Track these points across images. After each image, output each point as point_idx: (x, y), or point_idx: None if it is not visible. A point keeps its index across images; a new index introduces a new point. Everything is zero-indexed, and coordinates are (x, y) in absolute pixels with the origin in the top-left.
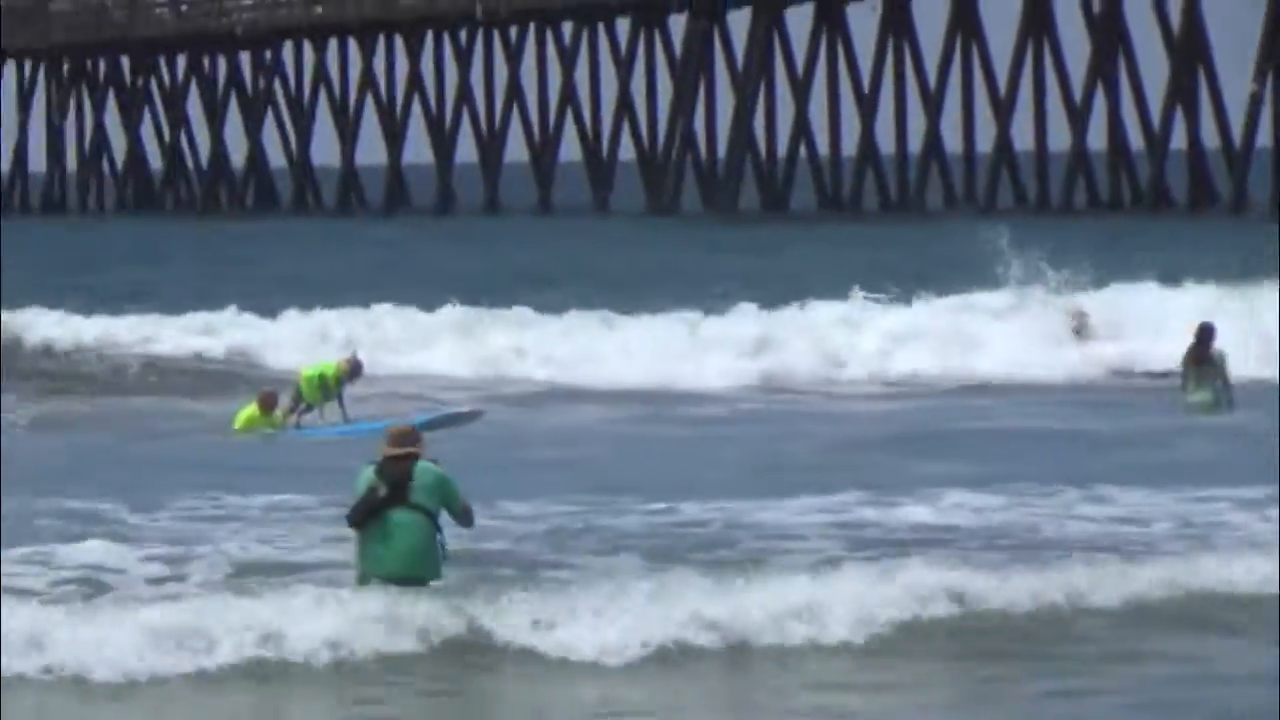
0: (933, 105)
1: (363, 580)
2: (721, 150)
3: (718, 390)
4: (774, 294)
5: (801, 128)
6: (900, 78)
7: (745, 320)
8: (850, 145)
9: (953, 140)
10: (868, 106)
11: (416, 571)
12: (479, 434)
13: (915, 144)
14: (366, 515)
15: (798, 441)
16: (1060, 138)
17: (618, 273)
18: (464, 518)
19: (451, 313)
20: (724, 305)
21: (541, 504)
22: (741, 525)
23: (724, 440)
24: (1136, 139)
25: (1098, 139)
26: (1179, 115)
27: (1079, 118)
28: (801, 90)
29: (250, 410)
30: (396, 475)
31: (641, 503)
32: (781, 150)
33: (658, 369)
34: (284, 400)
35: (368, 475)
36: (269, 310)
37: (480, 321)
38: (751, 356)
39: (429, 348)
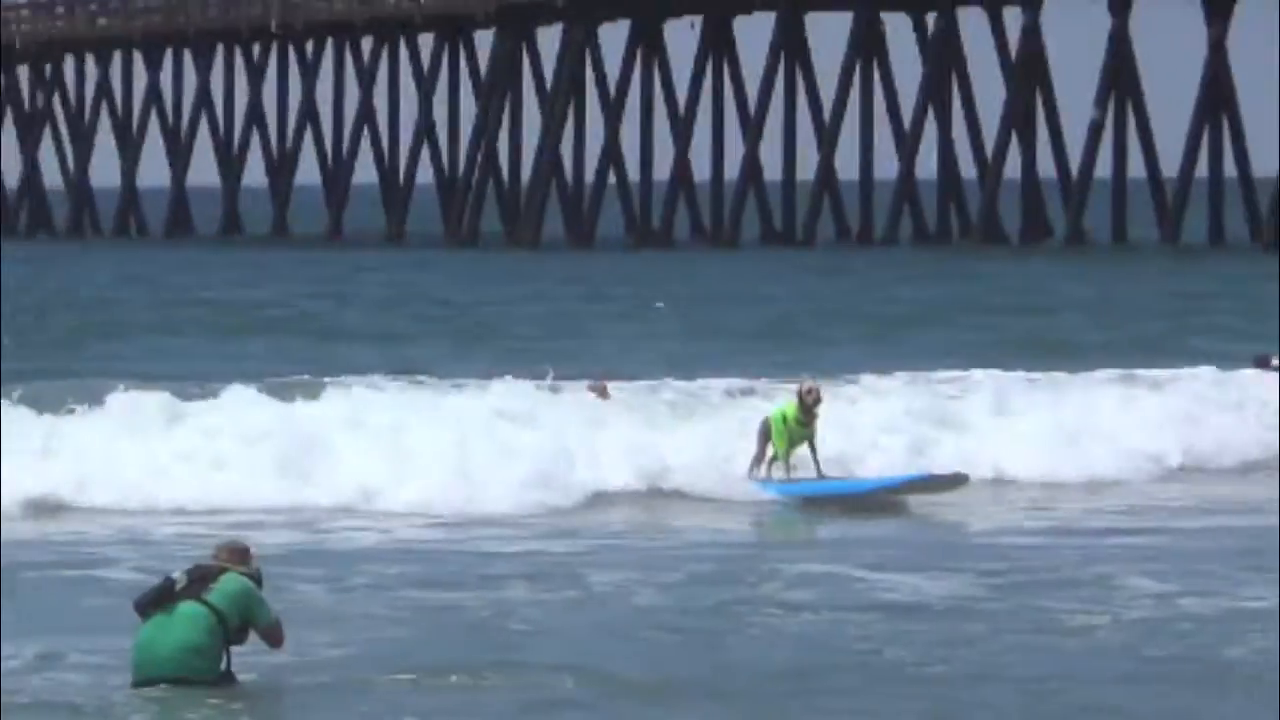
0: (753, 130)
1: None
2: (526, 175)
3: None
4: None
5: (612, 152)
6: (719, 100)
7: None
8: (663, 171)
9: (772, 168)
10: (683, 130)
11: (186, 666)
12: None
13: (733, 170)
14: (155, 603)
15: None
16: (888, 166)
17: None
18: (271, 633)
19: None
20: None
21: None
22: None
23: None
24: (969, 168)
25: (926, 168)
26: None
27: (909, 145)
28: (614, 112)
29: None
30: (201, 573)
31: None
32: (589, 176)
33: None
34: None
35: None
36: None
37: None
38: None
39: None
